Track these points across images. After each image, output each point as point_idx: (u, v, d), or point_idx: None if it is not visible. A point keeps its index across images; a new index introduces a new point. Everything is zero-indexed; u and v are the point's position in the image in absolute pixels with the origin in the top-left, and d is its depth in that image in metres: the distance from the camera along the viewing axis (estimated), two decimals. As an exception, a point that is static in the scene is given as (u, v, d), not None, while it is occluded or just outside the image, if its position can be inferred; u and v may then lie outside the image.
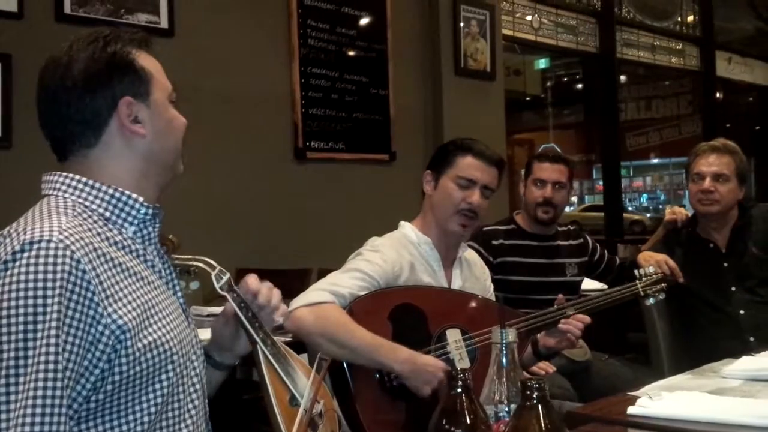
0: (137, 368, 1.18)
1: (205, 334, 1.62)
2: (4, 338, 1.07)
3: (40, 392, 1.06)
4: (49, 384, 1.07)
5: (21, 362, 1.07)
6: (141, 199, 1.29)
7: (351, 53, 4.62)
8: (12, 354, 1.07)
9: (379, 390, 1.97)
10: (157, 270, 1.31)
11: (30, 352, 1.07)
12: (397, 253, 2.14)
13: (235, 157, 4.01)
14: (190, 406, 1.31)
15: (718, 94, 8.50)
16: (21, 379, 1.06)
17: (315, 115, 4.40)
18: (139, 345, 1.18)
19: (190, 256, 1.43)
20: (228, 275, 1.43)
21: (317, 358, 1.57)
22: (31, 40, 3.40)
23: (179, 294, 1.36)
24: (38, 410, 1.06)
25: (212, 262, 1.43)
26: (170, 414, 1.26)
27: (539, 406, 0.99)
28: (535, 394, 1.00)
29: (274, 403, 1.39)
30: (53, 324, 1.09)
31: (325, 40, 4.47)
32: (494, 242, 2.83)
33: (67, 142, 1.30)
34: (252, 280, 1.47)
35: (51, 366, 1.08)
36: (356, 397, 1.94)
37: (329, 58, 4.49)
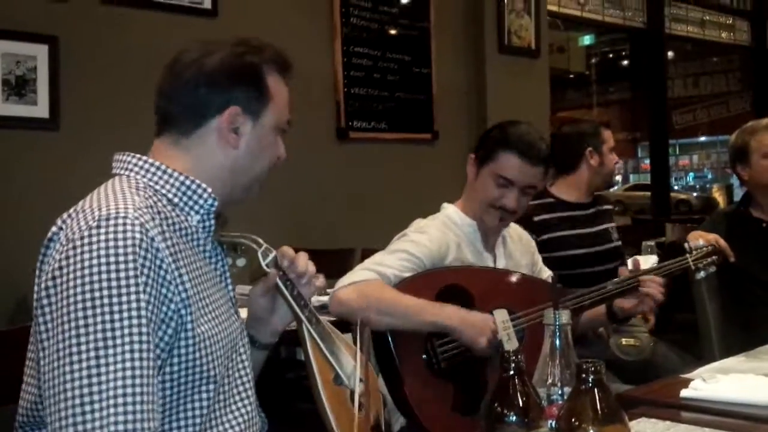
0: (196, 354, 1.19)
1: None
2: (89, 312, 1.07)
3: (135, 363, 1.07)
4: (143, 354, 1.08)
5: (108, 334, 1.07)
6: (209, 189, 1.30)
7: (393, 32, 4.58)
8: (99, 327, 1.07)
9: (427, 372, 1.96)
10: (213, 262, 1.33)
11: (116, 324, 1.08)
12: (442, 234, 2.12)
13: (278, 137, 4.01)
14: (238, 398, 1.31)
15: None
16: (110, 351, 1.06)
17: (357, 94, 4.38)
18: (198, 331, 1.19)
19: (237, 233, 1.43)
20: (274, 252, 1.43)
21: (357, 327, 1.56)
22: (77, 23, 3.43)
23: (230, 288, 1.37)
24: (128, 381, 1.06)
25: (259, 239, 1.43)
26: (218, 406, 1.27)
27: (595, 389, 0.97)
28: (591, 377, 0.97)
29: (319, 382, 1.40)
30: (136, 297, 1.10)
31: (367, 19, 4.44)
32: (535, 218, 2.76)
33: (169, 119, 1.32)
34: (288, 249, 1.48)
35: (136, 338, 1.08)
36: (404, 380, 1.92)
37: (371, 36, 4.46)
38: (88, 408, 1.04)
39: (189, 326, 1.17)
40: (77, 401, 1.04)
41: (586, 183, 2.89)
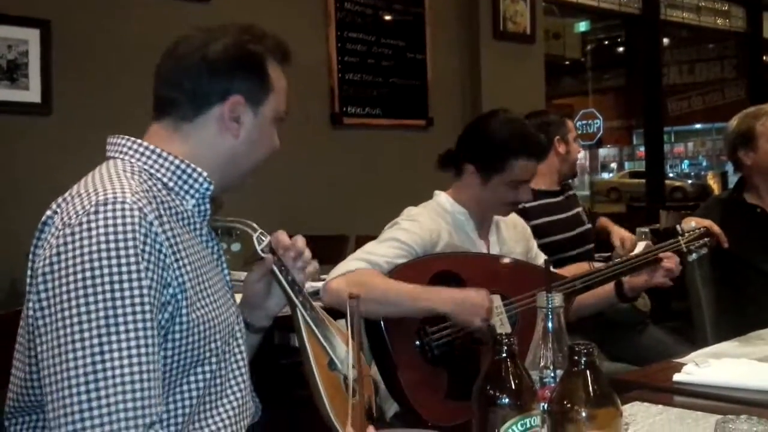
0: (189, 339, 1.18)
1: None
2: (91, 299, 1.06)
3: (141, 350, 1.07)
4: (147, 341, 1.08)
5: (111, 321, 1.06)
6: (205, 173, 1.29)
7: (388, 17, 4.56)
8: (102, 314, 1.06)
9: (420, 359, 1.96)
10: (209, 246, 1.32)
11: (119, 311, 1.07)
12: (434, 221, 2.12)
13: (272, 122, 4.00)
14: (233, 382, 1.31)
15: (765, 57, 8.26)
16: (113, 338, 1.06)
17: (351, 80, 4.37)
18: (193, 316, 1.18)
19: (232, 218, 1.42)
20: (269, 238, 1.42)
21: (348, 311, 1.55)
22: (69, 7, 3.41)
23: (226, 272, 1.37)
24: (135, 368, 1.06)
25: (254, 224, 1.42)
26: (213, 389, 1.26)
27: (587, 371, 0.96)
28: (583, 359, 0.96)
29: (314, 367, 1.39)
30: (138, 284, 1.09)
31: (361, 4, 4.42)
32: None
33: (169, 105, 1.31)
34: (283, 235, 1.47)
35: (140, 324, 1.08)
36: (397, 367, 1.93)
37: (366, 22, 4.44)
38: (94, 395, 1.03)
39: (184, 311, 1.17)
40: (82, 389, 1.04)
41: (556, 170, 2.99)
